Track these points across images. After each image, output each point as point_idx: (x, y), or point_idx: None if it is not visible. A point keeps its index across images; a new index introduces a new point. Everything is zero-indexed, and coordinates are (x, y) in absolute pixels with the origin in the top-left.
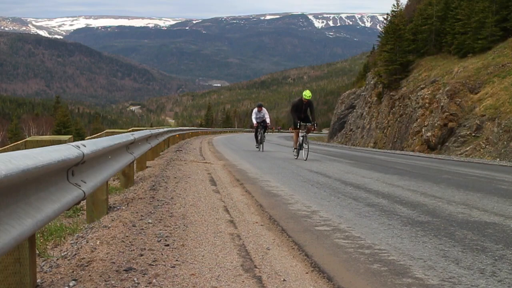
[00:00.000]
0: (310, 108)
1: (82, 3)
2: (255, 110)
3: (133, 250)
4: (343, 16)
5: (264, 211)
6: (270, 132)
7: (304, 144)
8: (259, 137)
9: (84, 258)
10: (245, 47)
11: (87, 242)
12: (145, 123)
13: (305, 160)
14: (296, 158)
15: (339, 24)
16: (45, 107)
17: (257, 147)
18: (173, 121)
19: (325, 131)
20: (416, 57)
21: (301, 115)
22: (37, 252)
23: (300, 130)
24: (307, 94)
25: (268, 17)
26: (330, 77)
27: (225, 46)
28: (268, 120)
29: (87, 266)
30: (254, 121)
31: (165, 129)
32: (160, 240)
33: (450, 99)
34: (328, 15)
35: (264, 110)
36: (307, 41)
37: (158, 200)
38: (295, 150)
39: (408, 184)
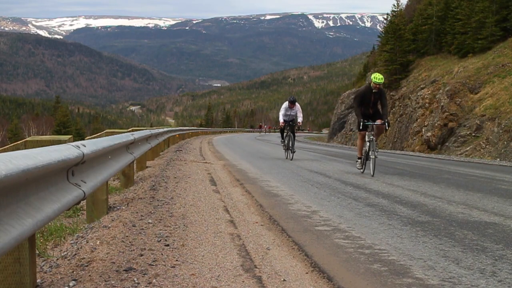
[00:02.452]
0: (381, 98)
1: (82, 3)
2: (285, 105)
3: (133, 250)
4: (343, 16)
5: (264, 211)
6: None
7: (370, 153)
8: (286, 140)
9: (84, 258)
10: (245, 47)
11: (87, 242)
12: (145, 123)
13: (372, 176)
14: (362, 172)
15: (339, 24)
16: (45, 107)
17: (284, 149)
18: (173, 121)
19: (325, 131)
20: (416, 57)
21: (369, 111)
22: (37, 252)
23: (367, 133)
24: (377, 77)
25: (268, 17)
26: (330, 77)
27: (225, 46)
28: (300, 120)
29: (87, 266)
30: (281, 119)
31: (165, 129)
32: (160, 240)
33: (450, 99)
34: (328, 15)
35: (297, 107)
36: (307, 41)
37: (158, 200)
38: (360, 160)
39: (408, 184)
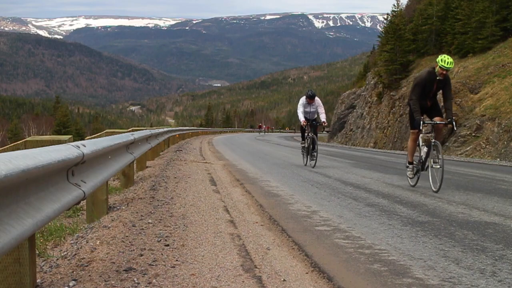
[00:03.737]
0: (445, 89)
1: (82, 3)
2: (303, 101)
3: (133, 250)
4: (343, 16)
5: (264, 211)
6: (269, 132)
7: (433, 161)
8: (306, 143)
9: (84, 258)
10: (245, 47)
11: (87, 242)
12: (145, 123)
13: (436, 191)
14: (413, 186)
15: (339, 24)
16: (45, 107)
17: (303, 153)
18: (173, 121)
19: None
20: (416, 57)
21: (426, 103)
22: (37, 252)
23: (425, 134)
24: (447, 60)
25: (268, 17)
26: (330, 77)
27: (225, 46)
28: (324, 117)
29: (87, 266)
30: (302, 118)
31: (165, 129)
32: (160, 240)
33: None
34: (328, 15)
35: (317, 101)
36: (307, 41)
37: (158, 200)
38: (411, 168)
39: (408, 184)
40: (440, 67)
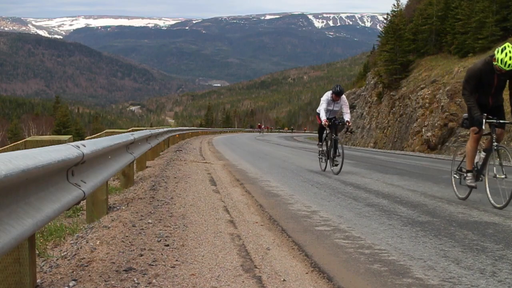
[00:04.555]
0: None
1: (82, 3)
2: (327, 97)
3: (133, 250)
4: (343, 16)
5: (264, 211)
6: (268, 132)
7: (496, 170)
8: (326, 146)
9: (84, 258)
10: (245, 47)
11: (87, 242)
12: (145, 123)
13: (501, 208)
14: (463, 198)
15: (339, 24)
16: (45, 107)
17: (320, 157)
18: (173, 121)
19: None
20: (416, 57)
21: (488, 101)
22: (37, 252)
23: (484, 132)
24: (508, 62)
25: (268, 17)
26: (330, 77)
27: (225, 46)
28: (348, 117)
29: (87, 266)
30: (324, 117)
31: (165, 129)
32: (160, 240)
33: (450, 99)
34: (328, 15)
35: (343, 99)
36: (307, 41)
37: (158, 200)
38: (469, 175)
39: (408, 184)
40: (499, 63)
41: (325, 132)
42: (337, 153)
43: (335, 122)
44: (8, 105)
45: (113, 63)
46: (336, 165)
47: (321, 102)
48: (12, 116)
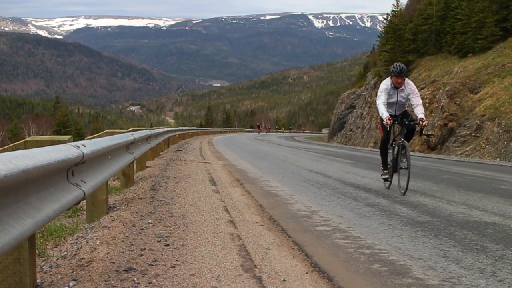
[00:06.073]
0: None
1: (82, 3)
2: (386, 85)
3: (133, 250)
4: (343, 16)
5: (264, 211)
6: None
7: None
8: (392, 153)
9: (84, 258)
10: (245, 47)
11: (87, 242)
12: (145, 123)
13: None
14: None
15: (339, 24)
16: (45, 107)
17: (386, 178)
18: (173, 121)
19: (325, 131)
20: (416, 57)
21: None
22: (37, 252)
23: None
24: None
25: (268, 17)
26: (330, 77)
27: (225, 46)
28: (421, 111)
29: (87, 266)
30: (386, 114)
31: (165, 129)
32: (160, 240)
33: (450, 99)
34: (328, 15)
35: (408, 85)
36: (307, 41)
37: (158, 200)
38: None
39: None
40: None
41: (392, 138)
42: (406, 164)
43: (404, 120)
44: (8, 105)
45: (113, 63)
46: (404, 179)
47: (379, 94)
48: (12, 116)
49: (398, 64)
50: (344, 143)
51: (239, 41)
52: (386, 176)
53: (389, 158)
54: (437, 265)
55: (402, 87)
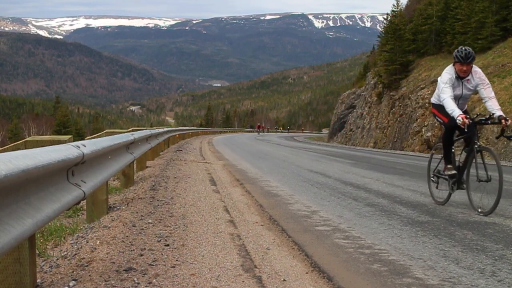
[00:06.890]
0: None
1: (82, 3)
2: (450, 74)
3: (133, 250)
4: (343, 16)
5: (264, 211)
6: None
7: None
8: (457, 162)
9: (84, 258)
10: (245, 47)
11: (87, 242)
12: (145, 123)
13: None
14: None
15: (339, 24)
16: (45, 107)
17: (453, 173)
18: (173, 121)
19: (325, 131)
20: (416, 57)
21: None
22: (37, 252)
23: None
24: None
25: (268, 17)
26: (330, 77)
27: (225, 46)
28: (496, 106)
29: (87, 266)
30: (457, 110)
31: (165, 129)
32: (160, 240)
33: None
34: (328, 15)
35: (476, 73)
36: (307, 41)
37: (158, 200)
38: None
39: (408, 184)
40: None
41: (455, 136)
42: (487, 177)
43: (480, 120)
44: (8, 105)
45: (113, 63)
46: (491, 199)
47: (440, 85)
48: (12, 116)
49: (464, 48)
50: (344, 143)
51: (239, 41)
52: (454, 172)
53: (456, 164)
54: (437, 265)
55: (469, 77)
